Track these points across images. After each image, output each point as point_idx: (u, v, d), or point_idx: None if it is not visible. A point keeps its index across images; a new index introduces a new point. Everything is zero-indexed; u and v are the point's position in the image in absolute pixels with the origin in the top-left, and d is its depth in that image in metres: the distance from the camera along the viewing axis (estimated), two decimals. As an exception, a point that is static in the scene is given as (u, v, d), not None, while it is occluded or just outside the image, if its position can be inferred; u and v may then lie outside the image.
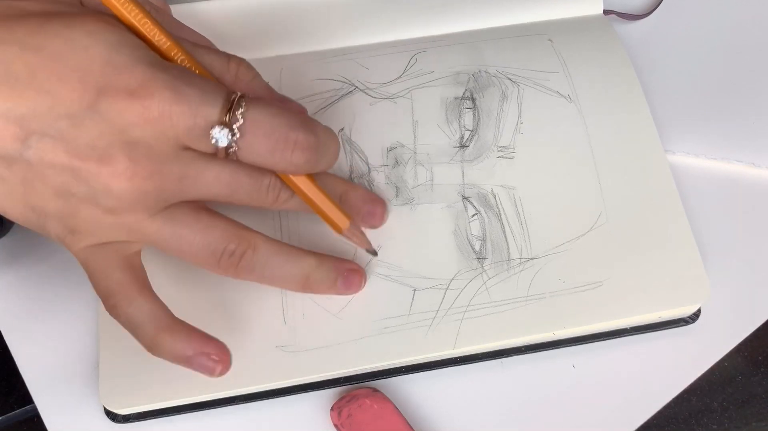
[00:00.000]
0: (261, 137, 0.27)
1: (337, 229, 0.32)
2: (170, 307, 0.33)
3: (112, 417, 0.33)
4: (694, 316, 0.36)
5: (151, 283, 0.34)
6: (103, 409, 0.33)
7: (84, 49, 0.25)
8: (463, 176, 0.36)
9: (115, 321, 0.33)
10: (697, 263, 0.35)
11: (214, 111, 0.26)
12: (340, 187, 0.33)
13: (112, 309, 0.29)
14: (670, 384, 0.35)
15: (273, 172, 0.29)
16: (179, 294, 0.34)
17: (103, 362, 0.33)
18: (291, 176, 0.29)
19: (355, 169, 0.36)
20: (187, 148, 0.27)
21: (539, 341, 0.34)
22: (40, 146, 0.25)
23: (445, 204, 0.36)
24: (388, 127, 0.37)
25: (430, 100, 0.38)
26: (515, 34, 0.41)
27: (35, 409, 0.34)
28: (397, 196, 0.36)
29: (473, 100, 0.38)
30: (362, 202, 0.34)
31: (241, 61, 0.31)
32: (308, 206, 0.31)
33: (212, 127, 0.26)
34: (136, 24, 0.27)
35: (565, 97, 0.38)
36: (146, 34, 0.27)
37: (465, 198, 0.36)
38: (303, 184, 0.30)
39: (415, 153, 0.37)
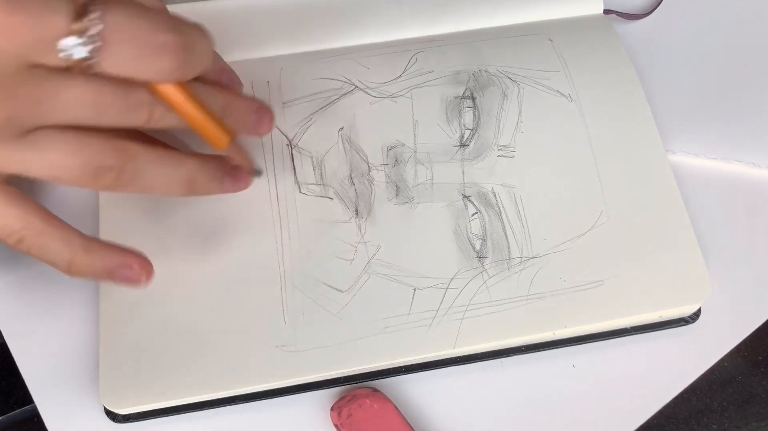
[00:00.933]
0: (123, 44, 0.24)
1: (219, 146, 0.29)
2: (170, 307, 0.34)
3: (112, 417, 0.33)
4: (695, 316, 0.36)
5: (150, 283, 0.34)
6: (103, 409, 0.33)
7: None
8: (463, 175, 0.36)
9: (114, 321, 0.33)
10: (698, 262, 0.35)
11: (60, 18, 0.23)
12: (222, 99, 0.30)
13: (18, 244, 0.27)
14: (670, 384, 0.35)
15: (143, 85, 0.26)
16: (179, 294, 0.34)
17: (103, 362, 0.33)
18: (162, 87, 0.26)
19: (355, 167, 0.36)
20: (37, 65, 0.24)
21: (539, 341, 0.34)
22: None
23: (446, 203, 0.36)
24: (389, 126, 0.37)
25: (431, 100, 0.38)
26: (515, 33, 0.41)
27: (35, 409, 0.34)
28: (397, 194, 0.36)
29: (473, 99, 0.38)
30: (247, 112, 0.31)
31: None
32: (186, 123, 0.28)
33: (61, 37, 0.23)
34: None
35: (565, 96, 0.38)
36: None
37: (465, 197, 0.36)
38: (177, 95, 0.26)
39: (415, 152, 0.37)
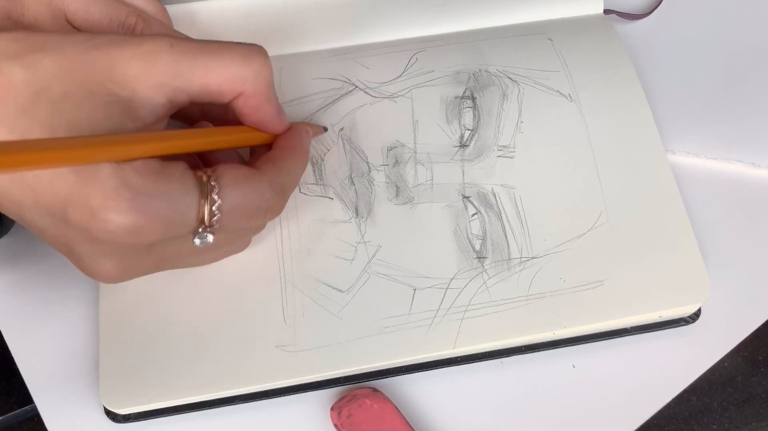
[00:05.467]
0: (238, 218, 0.27)
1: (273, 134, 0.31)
2: (170, 307, 0.34)
3: (112, 417, 0.33)
4: (694, 316, 0.36)
5: (151, 284, 0.34)
6: (103, 409, 0.33)
7: None
8: (463, 175, 0.36)
9: (114, 321, 0.33)
10: (698, 263, 0.35)
11: (190, 219, 0.26)
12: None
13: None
14: (670, 384, 0.35)
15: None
16: (179, 294, 0.34)
17: (103, 362, 0.33)
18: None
19: (355, 168, 0.36)
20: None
21: (539, 341, 0.34)
22: (34, 231, 0.27)
23: (446, 203, 0.36)
24: (389, 126, 0.37)
25: (431, 100, 0.38)
26: (515, 33, 0.41)
27: (35, 409, 0.34)
28: (397, 195, 0.36)
29: (473, 99, 0.38)
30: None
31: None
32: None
33: (193, 234, 0.27)
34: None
35: (565, 96, 0.38)
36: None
37: (465, 197, 0.36)
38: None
39: (415, 152, 0.37)
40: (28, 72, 0.24)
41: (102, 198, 0.24)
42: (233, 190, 0.27)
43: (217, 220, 0.26)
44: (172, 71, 0.26)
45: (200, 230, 0.27)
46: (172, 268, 0.30)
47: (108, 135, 0.25)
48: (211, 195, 0.26)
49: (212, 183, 0.26)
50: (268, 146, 0.31)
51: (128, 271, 0.27)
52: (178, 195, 0.25)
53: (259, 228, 0.32)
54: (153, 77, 0.26)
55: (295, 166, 0.30)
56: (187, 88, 0.27)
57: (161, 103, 0.26)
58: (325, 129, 0.37)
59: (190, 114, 0.32)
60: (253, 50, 0.28)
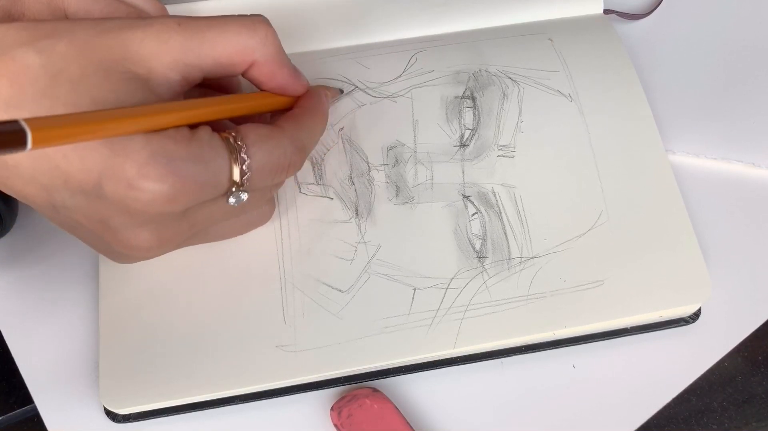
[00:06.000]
0: (267, 175, 0.28)
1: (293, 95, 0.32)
2: (170, 307, 0.34)
3: (112, 417, 0.33)
4: (694, 316, 0.36)
5: (150, 283, 0.34)
6: (103, 409, 0.33)
7: None
8: (463, 175, 0.36)
9: (114, 321, 0.33)
10: (699, 262, 0.35)
11: (223, 180, 0.27)
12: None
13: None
14: (670, 384, 0.35)
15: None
16: (179, 294, 0.34)
17: (103, 362, 0.33)
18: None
19: (355, 168, 0.36)
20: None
21: (539, 341, 0.34)
22: (66, 212, 0.27)
23: (446, 203, 0.36)
24: (388, 126, 0.37)
25: (431, 99, 0.38)
26: (515, 33, 0.41)
27: (35, 409, 0.34)
28: (397, 194, 0.36)
29: (473, 98, 0.38)
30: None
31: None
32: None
33: (227, 194, 0.28)
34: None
35: (565, 96, 0.38)
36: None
37: (465, 197, 0.36)
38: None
39: (415, 152, 0.37)
40: (42, 56, 0.25)
41: (138, 167, 0.24)
42: (259, 149, 0.28)
43: (247, 179, 0.27)
44: (183, 48, 0.27)
45: (233, 190, 0.27)
46: (204, 240, 0.31)
47: (138, 106, 0.25)
48: (239, 155, 0.27)
49: (239, 143, 0.27)
50: (291, 109, 0.32)
51: (165, 241, 0.28)
52: (210, 157, 0.26)
53: (280, 185, 0.32)
54: (166, 55, 0.26)
55: (315, 124, 0.32)
56: (199, 63, 0.27)
57: (177, 79, 0.27)
58: (342, 91, 0.38)
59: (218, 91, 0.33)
60: (255, 20, 0.29)
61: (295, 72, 0.31)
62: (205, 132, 0.27)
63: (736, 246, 0.38)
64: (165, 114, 0.26)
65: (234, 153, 0.27)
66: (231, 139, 0.27)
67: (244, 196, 0.28)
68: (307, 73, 0.38)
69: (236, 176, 0.27)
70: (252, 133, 0.28)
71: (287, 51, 0.39)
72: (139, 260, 0.29)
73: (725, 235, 0.38)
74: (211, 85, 0.33)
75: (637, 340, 0.35)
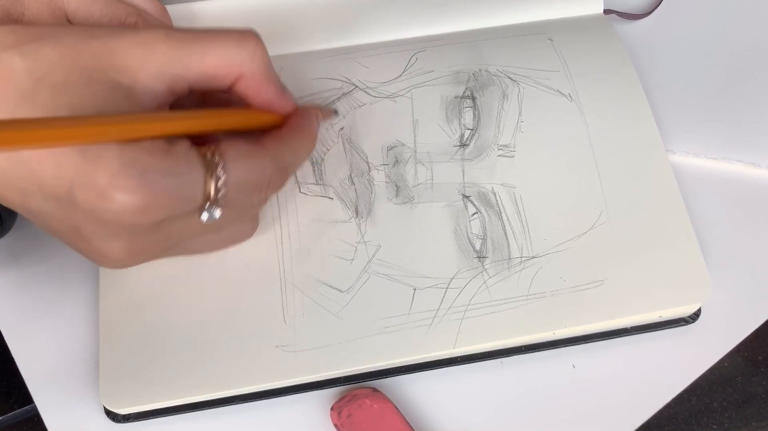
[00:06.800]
0: (242, 192, 0.28)
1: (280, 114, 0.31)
2: (170, 307, 0.34)
3: (112, 417, 0.33)
4: (694, 316, 0.36)
5: (150, 283, 0.34)
6: (103, 409, 0.33)
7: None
8: (463, 175, 0.36)
9: (114, 321, 0.33)
10: (699, 262, 0.35)
11: (196, 195, 0.26)
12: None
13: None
14: (670, 384, 0.35)
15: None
16: (179, 294, 0.34)
17: (103, 362, 0.33)
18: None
19: (355, 167, 0.36)
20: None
21: (539, 341, 0.34)
22: (41, 217, 0.26)
23: (446, 203, 0.36)
24: (388, 125, 0.37)
25: (431, 99, 0.38)
26: (515, 33, 0.41)
27: (35, 409, 0.34)
28: (397, 194, 0.36)
29: (473, 98, 0.38)
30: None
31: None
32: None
33: (200, 210, 0.27)
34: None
35: (565, 96, 0.38)
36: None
37: (465, 197, 0.36)
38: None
39: (415, 152, 0.37)
40: (27, 60, 0.24)
41: (109, 177, 0.24)
42: (237, 165, 0.27)
43: (222, 195, 0.27)
44: (170, 59, 0.26)
45: (207, 206, 0.27)
46: (181, 253, 0.30)
47: (115, 114, 0.25)
48: (216, 171, 0.26)
49: (216, 159, 0.27)
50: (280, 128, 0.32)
51: (137, 253, 0.28)
52: (184, 171, 0.26)
53: (261, 203, 0.32)
54: (152, 65, 0.26)
55: (300, 145, 0.31)
56: (186, 74, 0.27)
57: (161, 90, 0.27)
58: (336, 112, 0.37)
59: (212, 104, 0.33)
60: (245, 34, 0.28)
61: (282, 90, 0.30)
62: (182, 145, 0.26)
63: (736, 246, 0.38)
64: (140, 124, 0.25)
65: (210, 168, 0.26)
66: (209, 154, 0.26)
67: (217, 213, 0.27)
68: (308, 74, 0.39)
69: (210, 192, 0.26)
70: (232, 149, 0.27)
71: (287, 51, 0.40)
72: (116, 268, 0.29)
73: (725, 235, 0.38)
74: (213, 98, 0.33)
75: (637, 340, 0.35)
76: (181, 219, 0.27)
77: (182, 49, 0.27)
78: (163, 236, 0.28)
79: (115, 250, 0.27)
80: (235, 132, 0.30)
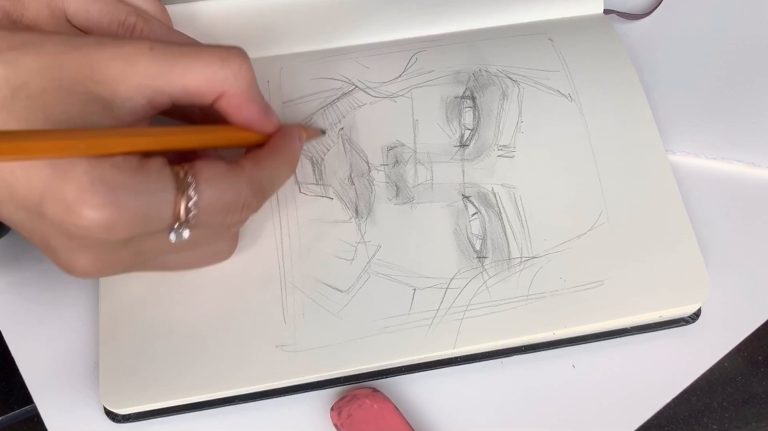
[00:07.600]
0: (214, 214, 0.27)
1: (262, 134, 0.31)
2: (170, 307, 0.34)
3: (112, 417, 0.33)
4: (694, 316, 0.36)
5: (150, 283, 0.34)
6: (103, 409, 0.33)
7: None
8: (463, 175, 0.36)
9: (114, 321, 0.33)
10: (699, 263, 0.35)
11: (165, 215, 0.26)
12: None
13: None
14: (670, 384, 0.35)
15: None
16: (179, 294, 0.34)
17: (103, 362, 0.33)
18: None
19: (355, 168, 0.36)
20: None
21: (539, 341, 0.34)
22: (14, 226, 0.27)
23: (446, 203, 0.36)
24: (388, 126, 0.37)
25: (431, 99, 0.38)
26: (515, 33, 0.41)
27: (35, 409, 0.34)
28: (397, 195, 0.36)
29: (473, 99, 0.38)
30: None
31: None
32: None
33: (168, 230, 0.26)
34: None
35: (565, 96, 0.38)
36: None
37: (465, 197, 0.36)
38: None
39: (415, 152, 0.37)
40: (7, 68, 0.24)
41: (77, 192, 0.24)
42: (210, 186, 0.26)
43: (193, 216, 0.26)
44: (152, 73, 0.26)
45: (176, 226, 0.26)
46: (154, 269, 0.30)
47: (86, 129, 0.25)
48: (187, 191, 0.26)
49: (189, 179, 0.26)
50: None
51: (104, 267, 0.27)
52: (154, 190, 0.25)
53: (238, 224, 0.31)
54: (132, 78, 0.26)
55: (277, 166, 0.30)
56: (167, 89, 0.27)
57: (141, 104, 0.26)
58: (323, 132, 0.37)
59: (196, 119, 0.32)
60: (231, 51, 0.28)
61: (265, 109, 0.30)
62: (155, 163, 0.26)
63: (736, 246, 0.38)
64: (111, 139, 0.25)
65: (182, 188, 0.26)
66: (182, 174, 0.26)
67: (186, 234, 0.27)
68: (307, 73, 0.39)
69: (180, 212, 0.26)
70: (207, 169, 0.27)
71: (287, 51, 0.40)
72: (85, 279, 0.29)
73: (725, 235, 0.38)
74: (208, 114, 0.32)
75: (637, 340, 0.35)
76: (152, 237, 0.27)
77: (165, 64, 0.26)
78: (132, 252, 0.27)
79: (81, 263, 0.27)
80: (217, 148, 0.30)
